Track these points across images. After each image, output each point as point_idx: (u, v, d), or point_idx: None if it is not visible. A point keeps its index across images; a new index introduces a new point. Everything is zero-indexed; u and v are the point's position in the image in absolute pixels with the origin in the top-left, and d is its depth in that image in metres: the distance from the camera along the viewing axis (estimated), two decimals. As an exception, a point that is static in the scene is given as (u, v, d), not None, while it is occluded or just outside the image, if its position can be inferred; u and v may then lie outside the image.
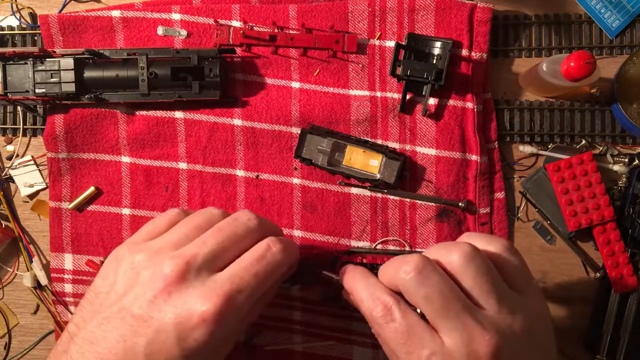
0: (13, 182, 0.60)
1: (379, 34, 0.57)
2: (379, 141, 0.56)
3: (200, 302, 0.36)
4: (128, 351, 0.36)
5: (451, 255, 0.37)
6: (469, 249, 0.37)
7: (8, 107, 0.60)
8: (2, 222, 0.59)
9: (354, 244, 0.57)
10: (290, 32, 0.57)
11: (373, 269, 0.44)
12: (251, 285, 0.38)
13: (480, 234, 0.40)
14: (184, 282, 0.37)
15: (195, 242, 0.39)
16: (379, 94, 0.57)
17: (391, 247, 0.56)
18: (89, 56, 0.55)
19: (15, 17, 0.60)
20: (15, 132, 0.60)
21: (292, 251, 0.42)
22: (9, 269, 0.60)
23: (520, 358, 0.36)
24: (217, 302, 0.36)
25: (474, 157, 0.55)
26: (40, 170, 0.60)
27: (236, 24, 0.57)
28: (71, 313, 0.59)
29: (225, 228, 0.40)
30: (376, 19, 0.56)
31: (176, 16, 0.57)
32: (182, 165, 0.58)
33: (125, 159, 0.58)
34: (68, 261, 0.59)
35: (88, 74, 0.55)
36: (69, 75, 0.55)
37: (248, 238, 0.41)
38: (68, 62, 0.55)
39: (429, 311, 0.36)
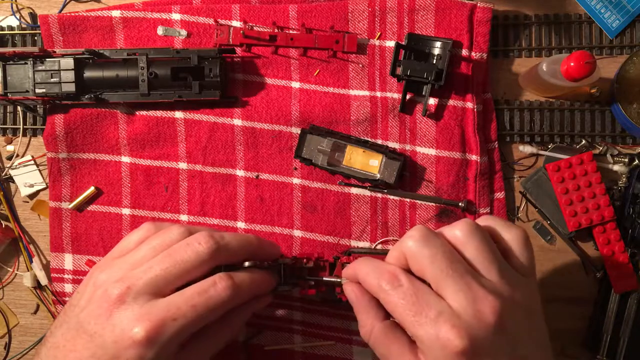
0: (13, 182, 0.60)
1: (379, 34, 0.57)
2: (379, 141, 0.56)
3: (133, 324, 0.38)
4: None
5: (454, 229, 0.39)
6: (472, 224, 0.39)
7: (8, 107, 0.60)
8: (2, 222, 0.59)
9: (354, 244, 0.57)
10: (290, 32, 0.57)
11: None
12: (188, 316, 0.39)
13: (499, 218, 0.41)
14: (123, 304, 0.39)
15: (143, 267, 0.41)
16: (379, 94, 0.56)
17: (391, 247, 0.56)
18: (89, 56, 0.55)
19: (15, 17, 0.60)
20: (15, 132, 0.60)
21: (246, 288, 0.43)
22: (9, 269, 0.60)
23: (521, 327, 0.37)
24: (148, 327, 0.38)
25: (474, 157, 0.55)
26: (40, 170, 0.60)
27: (236, 24, 0.57)
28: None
29: (174, 253, 0.41)
30: (376, 19, 0.56)
31: (176, 16, 0.57)
32: (182, 165, 0.58)
33: (125, 159, 0.58)
34: (68, 261, 0.59)
35: (88, 74, 0.55)
36: (69, 75, 0.55)
37: (197, 263, 0.41)
38: (68, 62, 0.55)
39: (434, 273, 0.37)
